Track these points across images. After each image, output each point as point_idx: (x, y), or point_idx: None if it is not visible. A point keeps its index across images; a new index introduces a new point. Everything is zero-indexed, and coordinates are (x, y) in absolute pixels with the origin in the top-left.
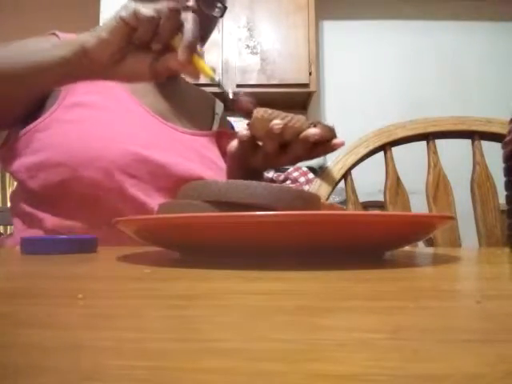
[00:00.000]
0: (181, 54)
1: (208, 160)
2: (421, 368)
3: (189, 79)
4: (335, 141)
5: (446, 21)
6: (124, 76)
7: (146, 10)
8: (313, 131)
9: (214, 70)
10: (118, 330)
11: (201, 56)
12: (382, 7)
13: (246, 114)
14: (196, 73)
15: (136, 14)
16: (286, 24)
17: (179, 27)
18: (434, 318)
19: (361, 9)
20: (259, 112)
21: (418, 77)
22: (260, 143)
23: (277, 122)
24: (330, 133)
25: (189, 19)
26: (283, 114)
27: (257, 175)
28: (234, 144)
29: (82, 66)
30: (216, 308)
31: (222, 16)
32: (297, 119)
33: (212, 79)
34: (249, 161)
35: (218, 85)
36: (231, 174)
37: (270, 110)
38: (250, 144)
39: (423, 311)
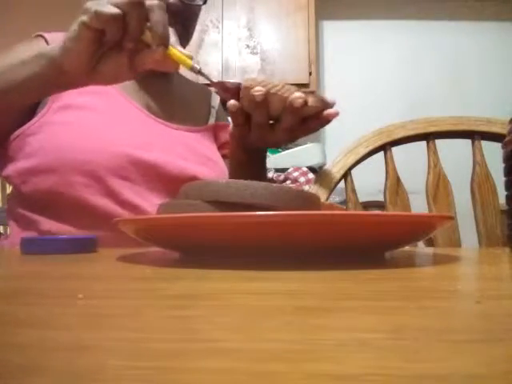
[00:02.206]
0: (154, 51)
1: (203, 156)
2: (421, 368)
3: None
4: (328, 111)
5: (445, 21)
6: (104, 79)
7: (107, 9)
8: (297, 95)
9: (191, 58)
10: (118, 330)
11: (174, 46)
12: (382, 7)
13: (231, 96)
14: (174, 65)
15: (97, 16)
16: (285, 24)
17: (147, 18)
18: (434, 317)
19: (361, 9)
20: (248, 81)
21: (418, 77)
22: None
23: (258, 89)
24: (322, 102)
25: (154, 8)
26: (272, 83)
27: (258, 155)
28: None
29: (57, 78)
30: (216, 308)
31: (205, 3)
32: (286, 88)
33: (191, 68)
34: (245, 138)
35: (199, 72)
36: (233, 156)
37: (260, 79)
38: (242, 118)
39: (423, 311)
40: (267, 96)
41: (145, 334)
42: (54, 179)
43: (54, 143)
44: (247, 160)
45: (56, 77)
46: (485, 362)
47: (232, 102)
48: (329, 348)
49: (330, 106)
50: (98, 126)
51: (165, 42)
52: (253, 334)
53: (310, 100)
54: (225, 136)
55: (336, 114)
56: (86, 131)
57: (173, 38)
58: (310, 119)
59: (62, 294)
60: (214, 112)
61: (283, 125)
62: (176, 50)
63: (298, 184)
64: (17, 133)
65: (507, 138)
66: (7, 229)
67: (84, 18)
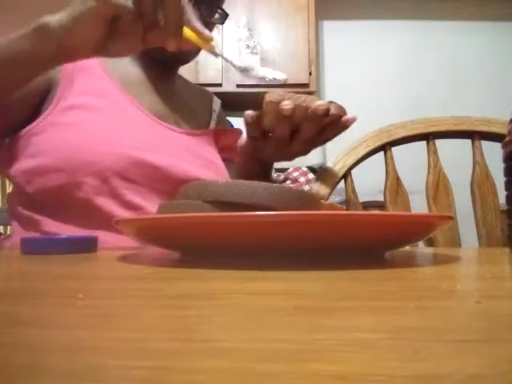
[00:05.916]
0: (165, 33)
1: (205, 160)
2: (421, 368)
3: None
4: (346, 117)
5: (446, 21)
6: (110, 55)
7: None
8: (320, 102)
9: (211, 40)
10: (118, 330)
11: (195, 25)
12: (382, 7)
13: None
14: (190, 45)
15: (108, 2)
16: (285, 24)
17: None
18: (434, 318)
19: (361, 9)
20: (272, 96)
21: (418, 77)
22: (270, 134)
23: (286, 103)
24: (342, 110)
25: None
26: (295, 95)
27: (267, 170)
28: (243, 139)
29: (61, 55)
30: (216, 308)
31: (222, 23)
32: (310, 99)
33: (210, 50)
34: (260, 153)
35: (217, 55)
36: (242, 169)
37: (281, 92)
38: (259, 131)
39: (423, 311)
40: (292, 109)
41: (145, 333)
42: (59, 179)
43: (60, 143)
44: (257, 173)
45: (59, 54)
46: (485, 362)
47: (249, 112)
48: (329, 348)
49: (345, 112)
50: (103, 127)
51: (178, 24)
52: (253, 334)
53: (332, 107)
54: (225, 140)
55: (354, 120)
56: (91, 132)
57: (193, 17)
58: (327, 128)
59: (62, 294)
60: (214, 116)
61: (303, 135)
62: (193, 31)
63: (298, 184)
64: (22, 132)
65: (507, 138)
66: (7, 229)
67: (93, 3)
